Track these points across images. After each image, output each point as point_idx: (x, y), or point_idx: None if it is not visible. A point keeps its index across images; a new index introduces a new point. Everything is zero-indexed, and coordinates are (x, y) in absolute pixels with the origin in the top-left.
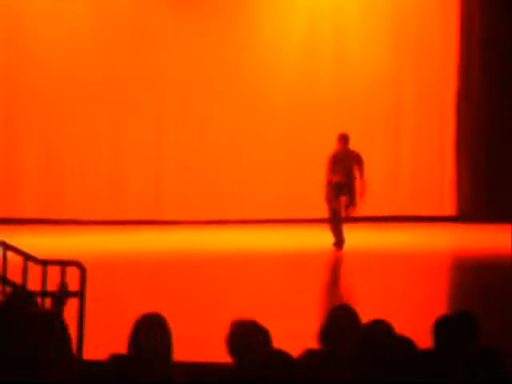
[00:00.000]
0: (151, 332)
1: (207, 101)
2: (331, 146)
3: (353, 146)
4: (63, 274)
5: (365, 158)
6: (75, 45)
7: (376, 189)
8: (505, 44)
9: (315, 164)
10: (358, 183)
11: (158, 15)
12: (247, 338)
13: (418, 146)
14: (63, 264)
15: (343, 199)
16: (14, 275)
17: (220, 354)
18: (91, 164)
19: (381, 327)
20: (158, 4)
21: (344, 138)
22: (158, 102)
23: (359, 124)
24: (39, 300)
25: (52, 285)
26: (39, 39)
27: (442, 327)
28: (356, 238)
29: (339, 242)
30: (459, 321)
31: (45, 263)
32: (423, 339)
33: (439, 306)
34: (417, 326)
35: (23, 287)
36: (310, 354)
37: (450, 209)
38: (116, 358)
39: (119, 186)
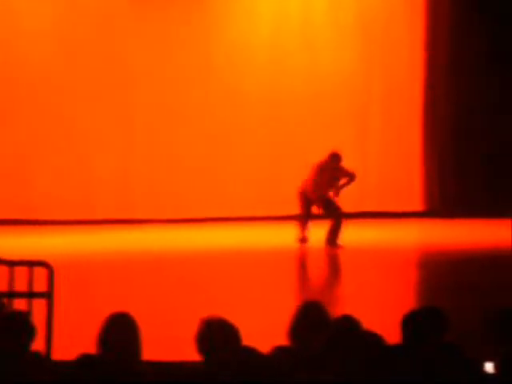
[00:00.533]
0: (119, 331)
1: (177, 99)
2: (300, 144)
3: (321, 142)
4: (31, 275)
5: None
6: (41, 45)
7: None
8: (472, 44)
9: (284, 161)
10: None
11: (123, 13)
12: (216, 336)
13: (385, 142)
14: (30, 264)
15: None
16: None
17: (190, 353)
18: (59, 163)
19: (349, 323)
20: (125, 8)
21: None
22: (127, 100)
23: (328, 121)
24: (6, 301)
25: (19, 285)
26: (1, 39)
27: (409, 322)
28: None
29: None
30: (427, 316)
31: (12, 264)
32: (392, 334)
33: (408, 302)
34: (385, 321)
35: None
36: (279, 350)
37: (418, 204)
38: (85, 358)
39: (88, 186)
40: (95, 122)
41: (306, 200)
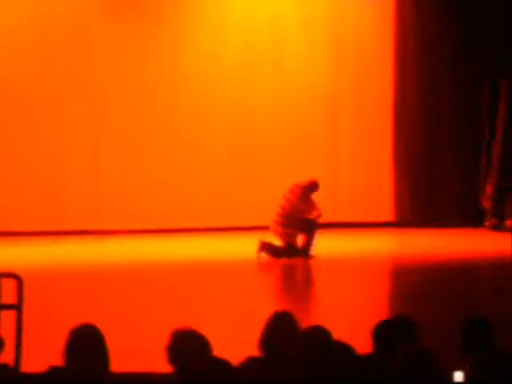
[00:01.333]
0: (84, 343)
1: (146, 110)
2: (269, 156)
3: (292, 154)
4: None
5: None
6: (11, 52)
7: (315, 196)
8: (441, 52)
9: (252, 173)
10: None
11: (95, 25)
12: (187, 346)
13: (356, 153)
14: None
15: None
16: None
17: (160, 364)
18: (29, 174)
19: (319, 333)
20: (96, 12)
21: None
22: (96, 110)
23: (298, 133)
24: None
25: None
26: None
27: (381, 332)
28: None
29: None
30: (398, 325)
31: None
32: (363, 344)
33: (379, 312)
34: (356, 331)
35: None
36: (250, 361)
37: (388, 214)
38: (53, 370)
39: (57, 196)
40: (66, 131)
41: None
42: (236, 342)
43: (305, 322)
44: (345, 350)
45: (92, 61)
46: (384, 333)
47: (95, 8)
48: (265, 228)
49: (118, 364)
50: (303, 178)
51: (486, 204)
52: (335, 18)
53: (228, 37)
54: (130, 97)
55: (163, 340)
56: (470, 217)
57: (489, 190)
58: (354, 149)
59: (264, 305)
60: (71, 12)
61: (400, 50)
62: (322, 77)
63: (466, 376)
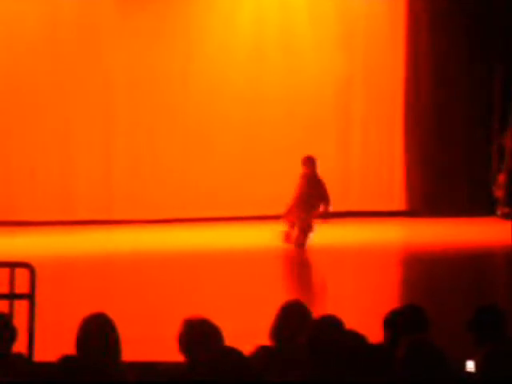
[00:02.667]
0: (95, 332)
1: (158, 100)
2: (280, 145)
3: (303, 143)
4: (12, 276)
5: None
6: (21, 48)
7: (326, 185)
8: (453, 39)
9: (263, 162)
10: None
11: (105, 17)
12: (198, 336)
13: (367, 141)
14: (12, 266)
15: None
16: None
17: (172, 353)
18: (40, 164)
19: (330, 323)
20: (106, 8)
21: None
22: (108, 101)
23: (309, 122)
24: None
25: (1, 287)
26: None
27: (391, 321)
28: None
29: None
30: (408, 315)
31: None
32: (375, 334)
33: (390, 301)
34: (368, 320)
35: None
36: (261, 350)
37: (399, 204)
38: (66, 359)
39: (69, 186)
40: (76, 122)
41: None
42: (247, 331)
43: (315, 311)
44: (356, 339)
45: (103, 53)
46: (395, 322)
47: (106, 2)
48: (277, 217)
49: (130, 353)
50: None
51: (498, 193)
52: (347, 3)
53: (239, 26)
54: (140, 88)
55: (174, 329)
56: (481, 206)
57: (501, 178)
58: (365, 137)
59: (275, 294)
60: (82, 5)
61: (412, 35)
62: (332, 65)
63: (479, 365)
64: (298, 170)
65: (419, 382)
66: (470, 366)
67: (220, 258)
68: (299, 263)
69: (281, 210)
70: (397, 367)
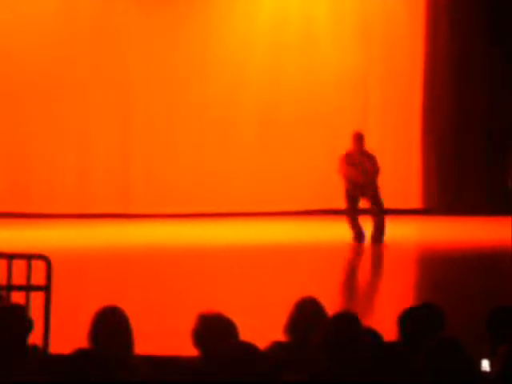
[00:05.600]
0: (108, 325)
1: (175, 94)
2: (298, 145)
3: (320, 140)
4: (29, 268)
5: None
6: (41, 41)
7: (342, 182)
8: (471, 37)
9: (280, 156)
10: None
11: (124, 14)
12: (213, 330)
13: (384, 139)
14: (29, 257)
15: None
16: None
17: (186, 348)
18: (57, 157)
19: (347, 319)
20: (125, 5)
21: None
22: (125, 95)
23: (326, 119)
24: (4, 294)
25: (17, 278)
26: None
27: (407, 319)
28: (323, 230)
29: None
30: (424, 313)
31: (10, 257)
32: (390, 331)
33: (406, 299)
34: (384, 318)
35: None
36: (276, 346)
37: (416, 201)
38: (79, 352)
39: (86, 179)
40: (93, 115)
41: (355, 192)
42: (262, 326)
43: (331, 308)
44: (372, 336)
45: (121, 46)
46: (410, 320)
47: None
48: (297, 213)
49: (143, 347)
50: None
51: None
52: (364, 1)
53: (258, 23)
54: (158, 83)
55: (189, 324)
56: (499, 204)
57: None
58: (382, 135)
59: (289, 290)
60: (100, 3)
61: (431, 32)
62: (351, 62)
63: (495, 365)
64: (315, 162)
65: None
66: (485, 365)
67: (236, 253)
68: (314, 259)
69: (294, 206)
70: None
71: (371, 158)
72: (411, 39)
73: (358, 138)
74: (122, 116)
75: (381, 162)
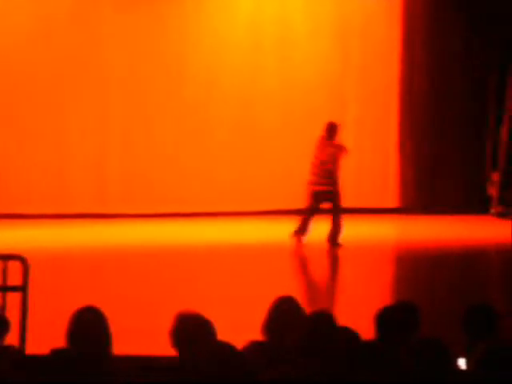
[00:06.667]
0: (86, 325)
1: (152, 95)
2: (275, 144)
3: (296, 140)
4: (5, 269)
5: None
6: (16, 42)
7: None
8: (448, 36)
9: (257, 159)
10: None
11: (100, 14)
12: (191, 330)
13: (361, 138)
14: (5, 258)
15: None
16: None
17: (164, 347)
18: (33, 156)
19: (323, 318)
20: (101, 5)
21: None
22: (103, 96)
23: (303, 118)
24: None
25: None
26: None
27: (384, 318)
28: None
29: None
30: (401, 311)
31: None
32: (366, 330)
33: (382, 297)
34: (360, 317)
35: None
36: (254, 345)
37: (393, 201)
38: (56, 352)
39: (62, 179)
40: (70, 116)
41: (316, 194)
42: (240, 325)
43: (308, 307)
44: (349, 335)
45: (98, 47)
46: (387, 319)
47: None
48: (271, 212)
49: (122, 347)
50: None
51: (492, 191)
52: (342, 4)
53: (235, 23)
54: (136, 83)
55: (167, 323)
56: (475, 204)
57: (495, 177)
58: (359, 134)
59: (268, 290)
60: (79, 2)
61: (408, 32)
62: (328, 62)
63: (472, 362)
64: (292, 166)
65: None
66: (462, 363)
67: (214, 253)
68: (292, 259)
69: (272, 205)
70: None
71: (332, 149)
72: (388, 42)
73: (326, 129)
74: (99, 116)
75: (358, 161)
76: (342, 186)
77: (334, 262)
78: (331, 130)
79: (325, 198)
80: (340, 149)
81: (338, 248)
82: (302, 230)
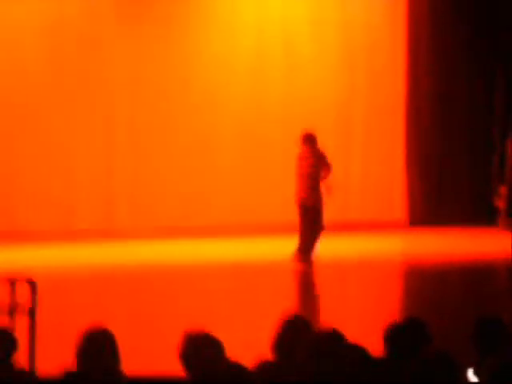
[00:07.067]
0: (96, 346)
1: (157, 111)
2: (282, 161)
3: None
4: (13, 291)
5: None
6: (21, 51)
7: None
8: (453, 53)
9: (263, 173)
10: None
11: (107, 24)
12: (200, 350)
13: (368, 151)
14: (14, 280)
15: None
16: None
17: (174, 367)
18: (40, 174)
19: (332, 336)
20: (107, 13)
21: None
22: (108, 114)
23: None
24: None
25: (2, 300)
26: None
27: (393, 335)
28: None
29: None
30: (410, 328)
31: None
32: (375, 347)
33: (391, 312)
34: (369, 333)
35: None
36: (264, 364)
37: (400, 214)
38: (68, 374)
39: (70, 197)
40: (77, 133)
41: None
42: (249, 344)
43: (317, 324)
44: (359, 352)
45: (103, 62)
46: (396, 335)
47: (106, 9)
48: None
49: (130, 367)
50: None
51: (500, 203)
52: (347, 16)
53: (238, 39)
54: (141, 99)
55: (176, 343)
56: (482, 216)
57: (502, 189)
58: (366, 147)
59: (276, 308)
60: (82, 12)
61: (413, 47)
62: (334, 78)
63: (482, 376)
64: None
65: None
66: (471, 376)
67: (222, 270)
68: (300, 276)
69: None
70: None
71: (310, 159)
72: (393, 57)
73: (302, 140)
74: (105, 133)
75: (365, 174)
76: (350, 199)
77: (341, 276)
78: (310, 140)
79: (306, 210)
80: (322, 158)
81: (306, 265)
82: (305, 248)
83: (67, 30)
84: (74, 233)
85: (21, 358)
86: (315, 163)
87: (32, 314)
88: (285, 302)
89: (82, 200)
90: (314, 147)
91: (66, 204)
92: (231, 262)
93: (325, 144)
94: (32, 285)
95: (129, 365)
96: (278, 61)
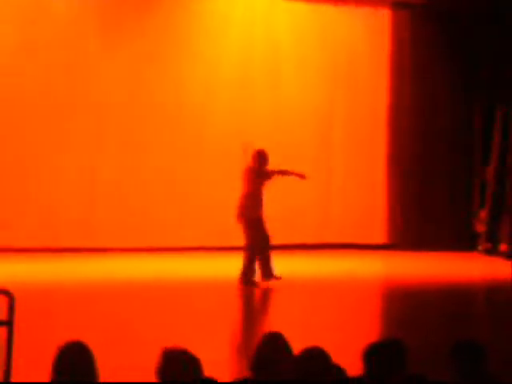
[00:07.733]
0: (72, 360)
1: (143, 127)
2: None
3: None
4: None
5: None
6: (8, 64)
7: (307, 216)
8: (434, 76)
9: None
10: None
11: (94, 35)
12: (177, 366)
13: (349, 173)
14: None
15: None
16: None
17: (150, 382)
18: (21, 189)
19: (316, 355)
20: (95, 23)
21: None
22: (92, 129)
23: (290, 150)
24: None
25: None
26: None
27: (371, 355)
28: (287, 265)
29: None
30: (388, 348)
31: None
32: (353, 367)
33: (370, 334)
34: (347, 353)
35: None
36: (241, 381)
37: (380, 237)
38: None
39: (49, 213)
40: (59, 148)
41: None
42: (227, 362)
43: (295, 344)
44: (337, 371)
45: (91, 81)
46: (374, 355)
47: (92, 16)
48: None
49: (108, 381)
50: (292, 195)
51: (480, 228)
52: (330, 35)
53: (224, 57)
54: (128, 117)
55: (153, 358)
56: (463, 241)
57: (483, 214)
58: (346, 170)
59: (254, 326)
60: (68, 19)
61: (395, 68)
62: (315, 96)
63: None
64: (279, 197)
65: None
66: None
67: (202, 288)
68: (277, 295)
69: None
70: None
71: (259, 180)
72: (375, 76)
73: (256, 157)
74: (89, 149)
75: (346, 196)
76: (329, 221)
77: (320, 297)
78: (262, 158)
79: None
80: (269, 177)
81: (252, 286)
82: (265, 271)
83: (56, 40)
84: (54, 250)
85: None
86: (259, 181)
87: (9, 326)
88: (262, 322)
89: (63, 217)
90: (263, 165)
91: (46, 221)
92: (211, 279)
93: (306, 164)
94: (10, 297)
95: (106, 379)
96: (262, 75)
